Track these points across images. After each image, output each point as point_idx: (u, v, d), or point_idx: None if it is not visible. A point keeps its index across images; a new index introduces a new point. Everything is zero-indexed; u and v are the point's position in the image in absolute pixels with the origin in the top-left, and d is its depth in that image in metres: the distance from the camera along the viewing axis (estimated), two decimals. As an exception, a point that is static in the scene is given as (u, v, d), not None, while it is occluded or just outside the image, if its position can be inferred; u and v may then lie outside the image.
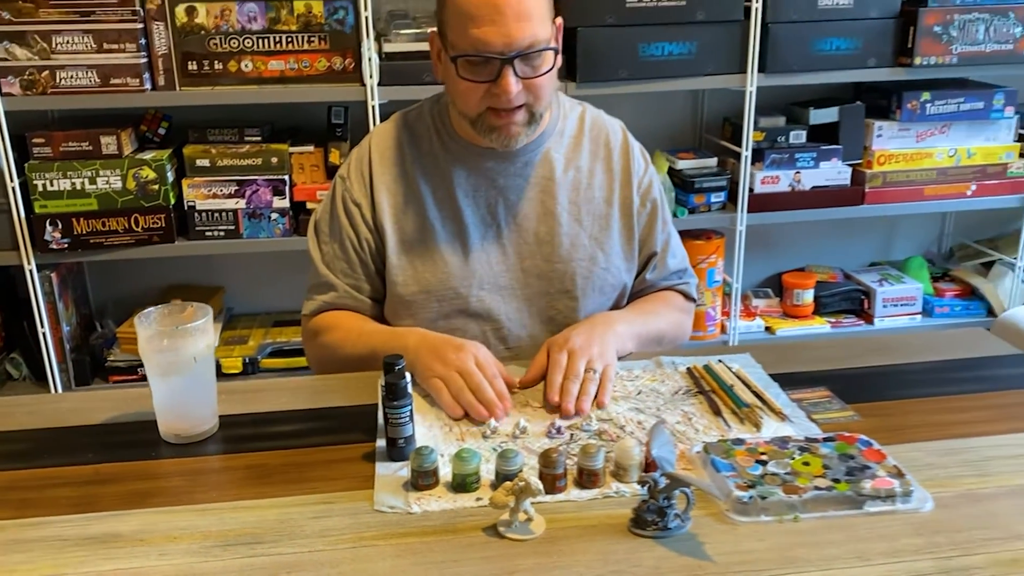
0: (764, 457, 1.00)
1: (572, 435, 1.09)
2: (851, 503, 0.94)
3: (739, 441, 1.04)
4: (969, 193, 2.45)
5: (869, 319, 2.57)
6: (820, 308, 2.57)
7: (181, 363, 1.07)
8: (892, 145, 2.40)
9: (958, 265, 2.74)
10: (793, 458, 1.00)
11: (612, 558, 0.86)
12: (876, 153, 2.39)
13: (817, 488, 0.95)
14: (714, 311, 2.47)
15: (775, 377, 1.24)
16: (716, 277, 2.44)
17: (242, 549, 0.89)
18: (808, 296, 2.55)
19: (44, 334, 2.19)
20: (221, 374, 2.27)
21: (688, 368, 1.26)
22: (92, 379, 2.29)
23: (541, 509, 0.94)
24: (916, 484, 0.96)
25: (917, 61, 2.25)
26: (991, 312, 2.57)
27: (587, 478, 0.98)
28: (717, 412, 1.14)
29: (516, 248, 1.36)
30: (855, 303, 2.60)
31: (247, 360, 2.30)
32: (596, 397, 1.15)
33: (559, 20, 1.28)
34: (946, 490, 0.97)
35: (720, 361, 1.28)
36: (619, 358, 1.28)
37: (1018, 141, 2.46)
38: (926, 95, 2.35)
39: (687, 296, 1.48)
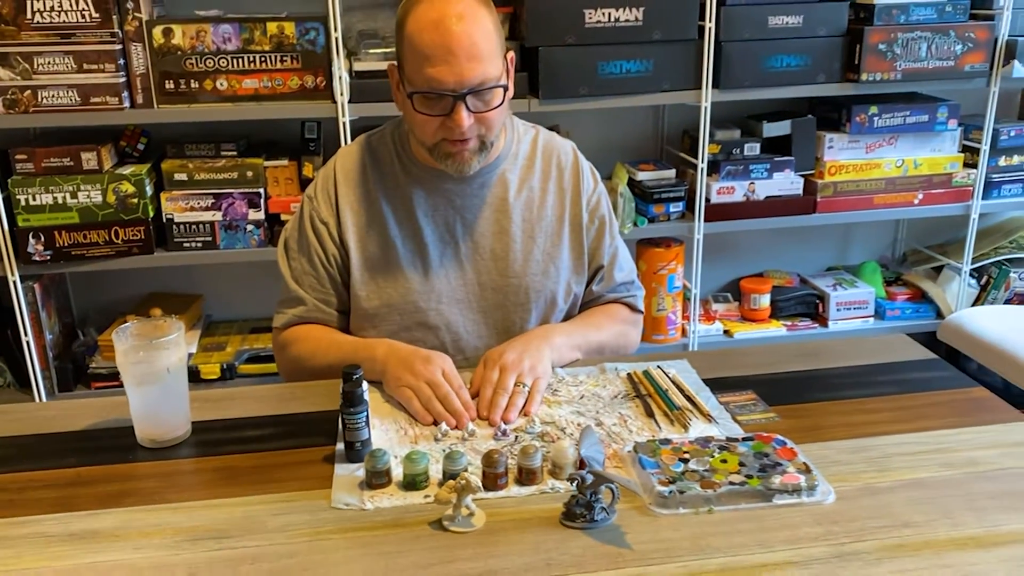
0: (687, 455, 1.11)
1: (517, 437, 1.19)
2: (761, 496, 1.04)
3: (666, 441, 1.15)
4: (916, 202, 2.56)
5: (824, 322, 2.68)
6: (776, 312, 2.68)
7: (155, 374, 1.16)
8: (842, 156, 2.51)
9: (910, 270, 2.86)
10: (713, 456, 1.11)
11: (543, 548, 0.96)
12: (827, 164, 2.50)
13: (731, 483, 1.05)
14: (675, 315, 2.57)
15: (708, 382, 1.34)
16: (676, 283, 2.54)
17: (209, 543, 0.98)
18: (764, 300, 2.66)
19: (28, 342, 2.27)
20: (200, 379, 2.36)
21: (628, 374, 1.36)
22: (75, 386, 2.37)
23: (483, 504, 1.03)
24: (821, 479, 1.07)
25: (864, 77, 2.37)
26: (940, 315, 2.69)
27: (526, 476, 1.08)
28: (651, 414, 1.24)
29: (473, 264, 1.45)
30: (810, 307, 2.71)
31: (225, 366, 2.38)
32: (524, 407, 1.24)
33: (511, 54, 1.37)
34: (848, 484, 1.07)
35: (659, 367, 1.38)
36: (566, 365, 1.38)
37: (962, 152, 2.58)
38: (874, 109, 2.46)
39: (633, 308, 1.58)
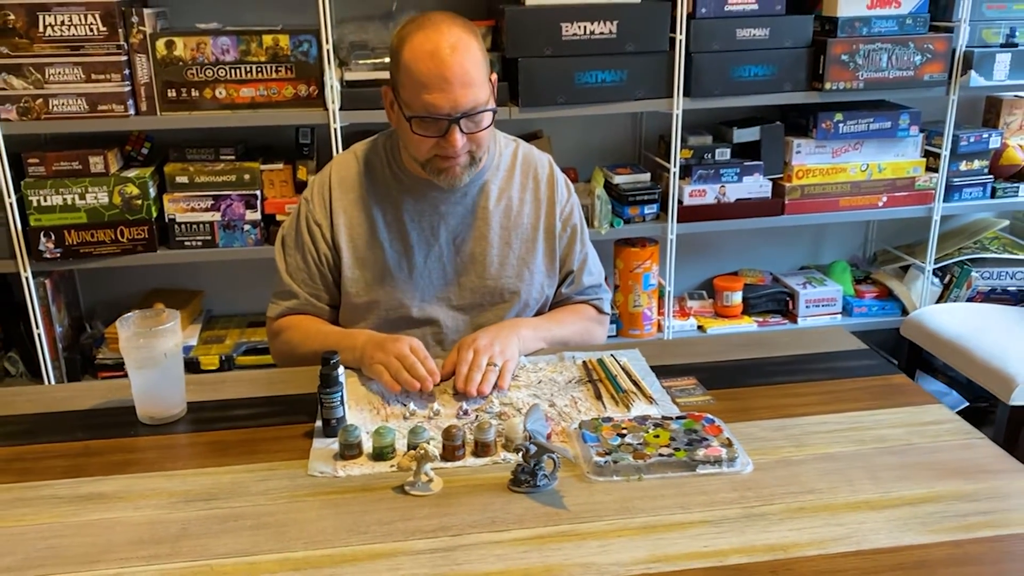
0: (625, 431, 1.25)
1: (477, 416, 1.32)
2: (686, 467, 1.18)
3: (608, 419, 1.28)
4: (880, 204, 2.69)
5: (793, 318, 2.81)
6: (748, 308, 2.81)
7: (154, 358, 1.30)
8: (810, 161, 2.64)
9: (879, 269, 2.99)
10: (648, 432, 1.24)
11: (490, 508, 1.10)
12: (795, 168, 2.63)
13: (660, 455, 1.19)
14: (650, 311, 2.71)
15: (655, 368, 1.48)
16: (651, 281, 2.68)
17: (200, 504, 1.12)
18: (737, 297, 2.79)
19: (39, 335, 2.41)
20: (200, 370, 2.50)
21: (584, 361, 1.50)
22: (82, 375, 2.51)
23: (442, 472, 1.17)
24: (742, 452, 1.20)
25: (828, 86, 2.50)
26: (905, 312, 2.81)
27: (481, 448, 1.22)
28: (599, 397, 1.38)
29: (454, 266, 1.59)
30: (780, 304, 2.84)
31: (223, 357, 2.52)
32: (497, 382, 1.38)
33: (494, 76, 1.50)
34: (767, 457, 1.21)
35: (611, 355, 1.52)
36: (528, 355, 1.52)
37: (924, 157, 2.71)
38: (839, 115, 2.59)
39: (599, 309, 1.71)
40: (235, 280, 2.73)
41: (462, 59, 1.39)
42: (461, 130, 1.42)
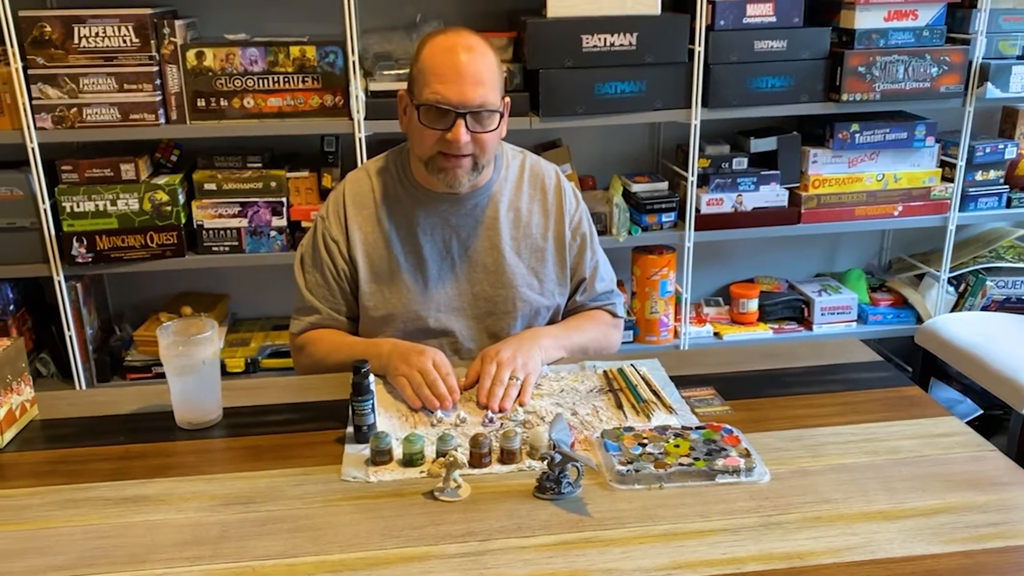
0: (646, 440, 1.29)
1: (502, 424, 1.37)
2: (705, 476, 1.22)
3: (629, 428, 1.33)
4: (896, 213, 2.72)
5: (809, 326, 2.84)
6: (764, 316, 2.85)
7: (192, 366, 1.35)
8: (826, 170, 2.67)
9: (894, 277, 3.01)
10: (668, 441, 1.29)
11: (516, 514, 1.15)
12: (811, 177, 2.66)
13: (680, 464, 1.23)
14: (667, 318, 2.74)
15: (676, 378, 1.52)
16: (668, 288, 2.72)
17: (239, 507, 1.17)
18: (753, 305, 2.82)
19: (70, 337, 2.48)
20: (225, 373, 2.55)
21: (604, 371, 1.54)
22: (111, 376, 2.58)
23: (469, 479, 1.22)
24: (760, 462, 1.25)
25: (844, 97, 2.53)
26: (920, 320, 2.84)
27: (507, 456, 1.26)
28: (620, 406, 1.42)
29: (467, 276, 1.64)
30: (796, 311, 2.87)
31: (249, 360, 2.58)
32: (518, 398, 1.42)
33: (507, 99, 1.55)
34: (784, 467, 1.25)
35: (632, 365, 1.56)
36: (550, 363, 1.57)
37: (940, 167, 2.74)
38: (855, 126, 2.62)
39: (613, 314, 1.75)
40: (260, 284, 2.78)
41: (476, 59, 1.46)
42: (467, 127, 1.46)
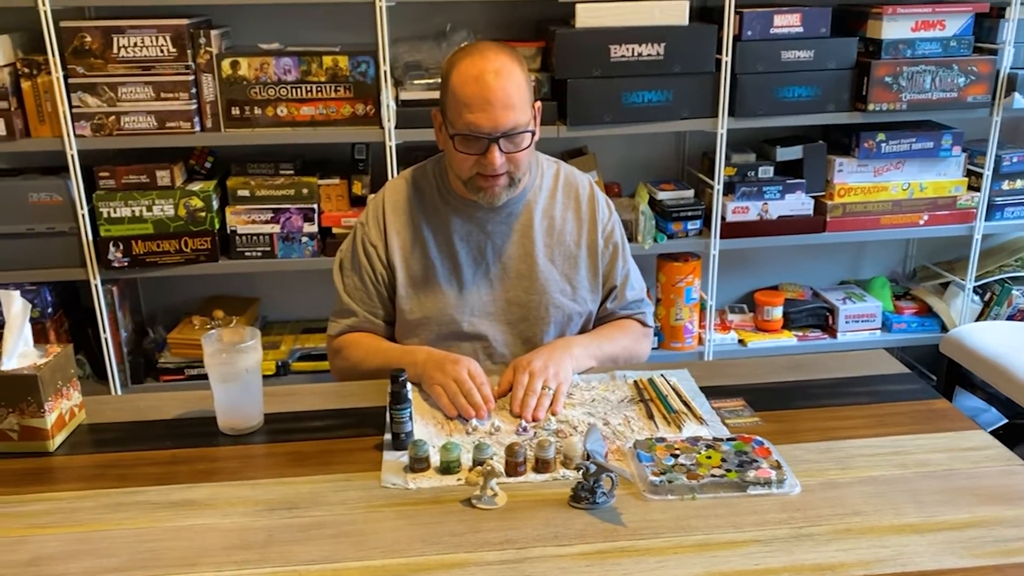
0: (678, 451, 1.31)
1: (535, 433, 1.40)
2: (737, 487, 1.24)
3: (662, 439, 1.35)
4: (921, 223, 2.73)
5: (833, 333, 2.86)
6: (788, 323, 2.86)
7: (236, 373, 1.39)
8: (851, 179, 2.68)
9: (919, 285, 3.02)
10: (700, 452, 1.31)
11: (552, 523, 1.18)
12: (837, 186, 2.68)
13: (713, 475, 1.25)
14: (691, 325, 2.76)
15: (704, 389, 1.54)
16: (693, 295, 2.74)
17: (283, 512, 1.21)
18: (777, 312, 2.84)
19: (106, 339, 2.53)
20: (256, 375, 2.60)
21: (635, 380, 1.57)
22: (145, 378, 2.63)
23: (505, 487, 1.25)
24: (790, 474, 1.27)
25: (871, 107, 2.54)
26: (945, 329, 2.85)
27: (541, 465, 1.29)
28: (651, 416, 1.45)
29: (501, 282, 1.67)
30: (820, 319, 2.88)
31: (280, 363, 2.62)
32: (551, 407, 1.45)
33: (538, 104, 1.59)
34: (813, 479, 1.27)
35: (662, 375, 1.59)
36: (581, 372, 1.60)
37: (966, 176, 2.74)
38: (881, 135, 2.63)
39: (643, 323, 1.78)
40: (290, 288, 2.83)
41: (504, 83, 1.49)
42: (500, 149, 1.50)
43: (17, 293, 1.38)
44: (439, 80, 2.41)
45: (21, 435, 1.36)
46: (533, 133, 1.55)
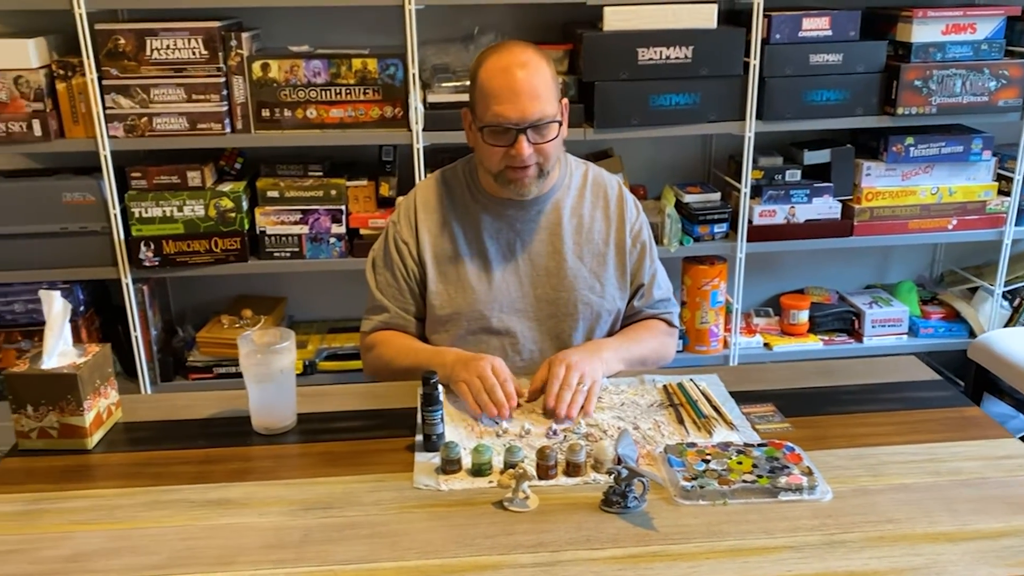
0: (709, 457, 1.32)
1: (565, 436, 1.41)
2: (768, 493, 1.25)
3: (692, 444, 1.36)
4: (950, 227, 2.71)
5: (859, 338, 2.84)
6: (814, 327, 2.85)
7: (271, 374, 1.41)
8: (879, 183, 2.67)
9: (946, 290, 2.99)
10: (731, 458, 1.31)
11: (584, 527, 1.18)
12: (864, 190, 2.66)
13: (744, 481, 1.26)
14: (717, 328, 2.76)
15: (734, 394, 1.54)
16: (719, 298, 2.73)
17: (318, 512, 1.22)
18: (803, 316, 2.83)
19: (136, 337, 2.56)
20: (283, 374, 2.62)
21: (664, 385, 1.57)
22: (174, 376, 2.66)
23: (536, 490, 1.26)
24: (821, 481, 1.27)
25: (900, 111, 2.52)
26: (973, 334, 2.82)
27: (572, 469, 1.30)
28: (680, 421, 1.45)
29: (530, 279, 1.69)
30: (847, 323, 2.87)
31: (306, 363, 2.64)
32: (583, 406, 1.46)
33: (565, 100, 1.62)
34: (845, 486, 1.27)
35: (691, 380, 1.59)
36: (609, 376, 1.60)
37: (996, 181, 2.72)
38: (910, 139, 2.62)
39: (669, 323, 1.79)
40: (318, 288, 2.85)
41: (530, 75, 1.53)
42: (528, 140, 1.53)
43: (58, 294, 1.41)
44: (467, 83, 2.44)
45: (60, 432, 1.38)
46: (560, 124, 1.58)
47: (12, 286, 2.52)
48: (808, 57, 2.47)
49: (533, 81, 1.52)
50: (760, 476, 1.27)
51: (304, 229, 2.52)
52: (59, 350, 1.40)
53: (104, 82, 2.35)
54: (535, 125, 1.53)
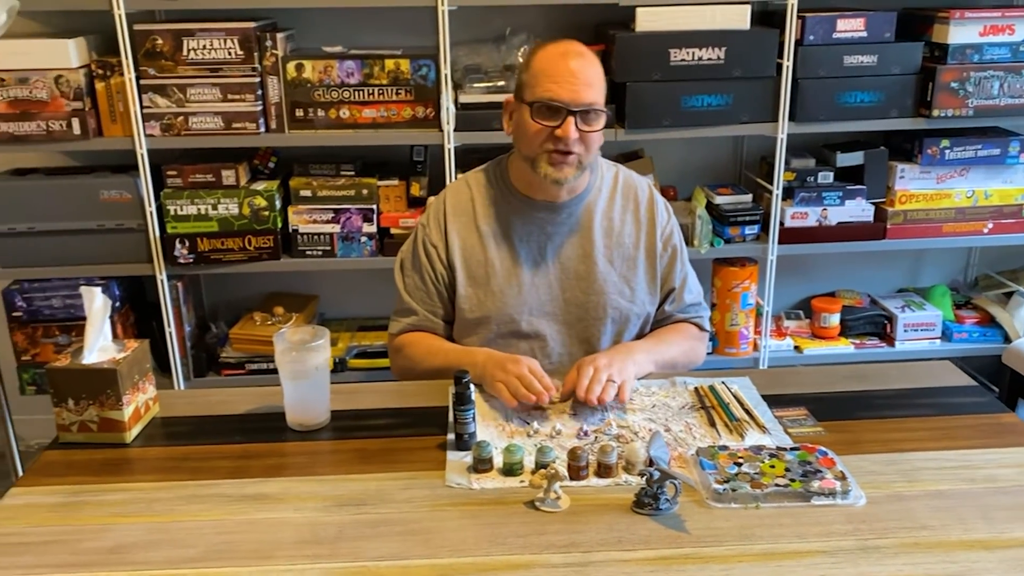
0: (741, 460, 1.32)
1: (596, 437, 1.41)
2: (801, 497, 1.24)
3: (724, 447, 1.36)
4: (986, 231, 2.67)
5: (891, 342, 2.81)
6: (845, 330, 2.83)
7: (306, 371, 1.43)
8: (913, 186, 2.64)
9: (981, 294, 2.96)
10: (763, 462, 1.31)
11: (616, 528, 1.19)
12: (898, 193, 2.63)
13: (776, 485, 1.25)
14: (747, 331, 2.75)
15: (765, 397, 1.54)
16: (749, 300, 2.72)
17: (352, 508, 1.24)
18: (834, 319, 2.80)
19: (170, 333, 2.60)
20: (314, 372, 2.65)
21: (695, 387, 1.57)
22: (207, 372, 2.70)
23: (567, 491, 1.26)
24: (855, 485, 1.26)
25: (935, 113, 2.50)
26: (1008, 339, 2.78)
27: (603, 470, 1.31)
28: (712, 424, 1.45)
29: (560, 282, 1.69)
30: (878, 327, 2.84)
31: (336, 360, 2.67)
32: (617, 395, 1.46)
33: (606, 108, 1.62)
34: (879, 491, 1.26)
35: (723, 383, 1.58)
36: (640, 378, 1.60)
37: (1033, 184, 2.68)
38: (945, 142, 2.59)
39: (700, 327, 1.79)
40: (348, 286, 2.88)
41: (587, 64, 1.56)
42: (576, 124, 1.54)
43: (99, 290, 1.43)
44: (499, 83, 2.46)
45: (100, 426, 1.41)
46: (606, 116, 1.59)
47: (50, 281, 2.57)
48: (842, 58, 2.45)
49: (588, 70, 1.56)
50: (793, 480, 1.26)
51: (336, 228, 2.54)
52: (99, 345, 1.43)
53: (142, 82, 2.39)
54: (584, 112, 1.54)
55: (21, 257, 2.50)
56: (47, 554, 1.15)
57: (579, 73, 1.54)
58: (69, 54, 2.35)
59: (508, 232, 1.68)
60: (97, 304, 1.43)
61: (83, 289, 1.44)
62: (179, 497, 1.27)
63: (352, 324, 2.88)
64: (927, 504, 1.23)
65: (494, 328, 1.68)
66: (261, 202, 2.49)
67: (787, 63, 2.45)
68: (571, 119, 1.54)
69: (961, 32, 2.46)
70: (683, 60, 2.42)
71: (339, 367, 2.66)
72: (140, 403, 1.46)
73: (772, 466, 1.30)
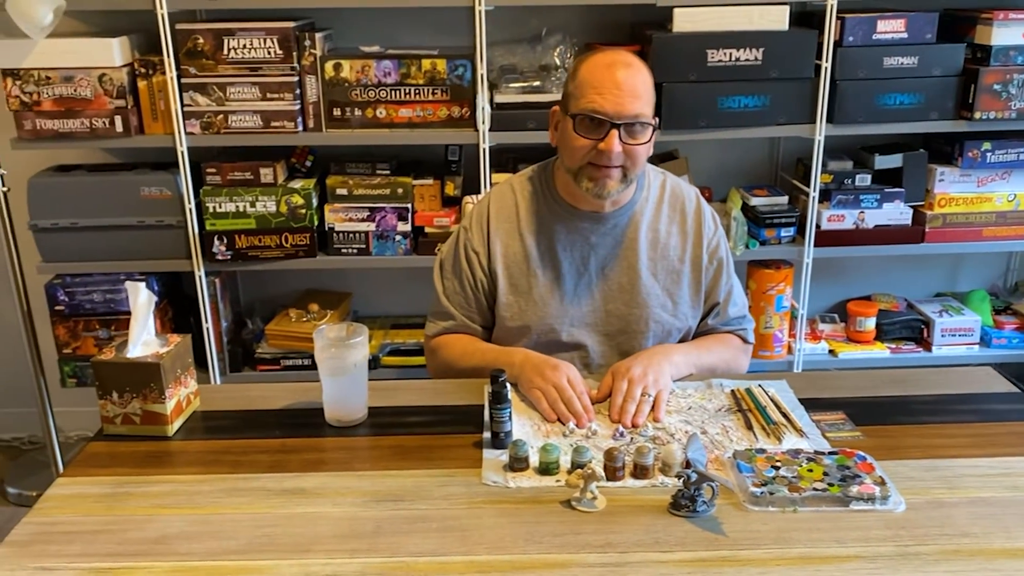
0: (778, 463, 1.31)
1: (632, 438, 1.41)
2: (840, 502, 1.23)
3: (762, 450, 1.35)
4: (1028, 236, 2.64)
5: (928, 347, 2.78)
6: (881, 335, 2.79)
7: (345, 367, 1.44)
8: (953, 189, 2.60)
9: (1021, 299, 2.91)
10: (801, 465, 1.30)
11: (652, 529, 1.19)
12: (937, 196, 2.60)
13: (815, 489, 1.25)
14: (781, 333, 2.73)
15: (803, 401, 1.53)
16: (784, 303, 2.70)
17: (389, 504, 1.25)
18: (870, 323, 2.77)
19: (207, 328, 2.64)
20: (347, 368, 2.67)
21: (732, 390, 1.57)
22: (243, 367, 2.73)
23: (604, 491, 1.27)
24: (895, 491, 1.25)
25: (977, 115, 2.46)
26: (1048, 346, 2.74)
27: (640, 471, 1.31)
28: (749, 427, 1.44)
29: (602, 294, 1.68)
30: (915, 331, 2.80)
31: (370, 357, 2.68)
32: (652, 413, 1.45)
33: (656, 119, 1.59)
34: (919, 497, 1.25)
35: (759, 386, 1.58)
36: (678, 380, 1.60)
37: (1078, 189, 2.63)
38: (987, 144, 2.55)
39: (744, 339, 1.77)
40: (382, 285, 2.90)
41: (634, 74, 1.53)
42: (620, 138, 1.51)
43: (143, 285, 1.46)
44: (534, 83, 2.47)
45: (143, 419, 1.43)
46: (654, 129, 1.56)
47: (92, 276, 2.61)
48: (882, 60, 2.43)
49: (635, 80, 1.52)
50: (831, 484, 1.26)
51: (371, 226, 2.56)
52: (143, 339, 1.46)
53: (183, 80, 2.42)
54: (629, 124, 1.52)
55: (63, 252, 2.55)
56: (95, 543, 1.17)
57: (624, 84, 1.51)
58: (113, 53, 2.39)
59: (552, 241, 1.67)
60: (142, 299, 1.46)
61: (128, 284, 1.46)
62: (220, 490, 1.29)
63: (385, 322, 2.90)
64: (968, 511, 1.22)
65: (534, 337, 1.67)
66: (298, 200, 2.52)
67: (825, 64, 2.42)
68: (615, 132, 1.51)
69: (1004, 33, 2.42)
70: (720, 61, 2.41)
71: (372, 364, 2.68)
72: (182, 397, 1.48)
73: (810, 470, 1.29)
